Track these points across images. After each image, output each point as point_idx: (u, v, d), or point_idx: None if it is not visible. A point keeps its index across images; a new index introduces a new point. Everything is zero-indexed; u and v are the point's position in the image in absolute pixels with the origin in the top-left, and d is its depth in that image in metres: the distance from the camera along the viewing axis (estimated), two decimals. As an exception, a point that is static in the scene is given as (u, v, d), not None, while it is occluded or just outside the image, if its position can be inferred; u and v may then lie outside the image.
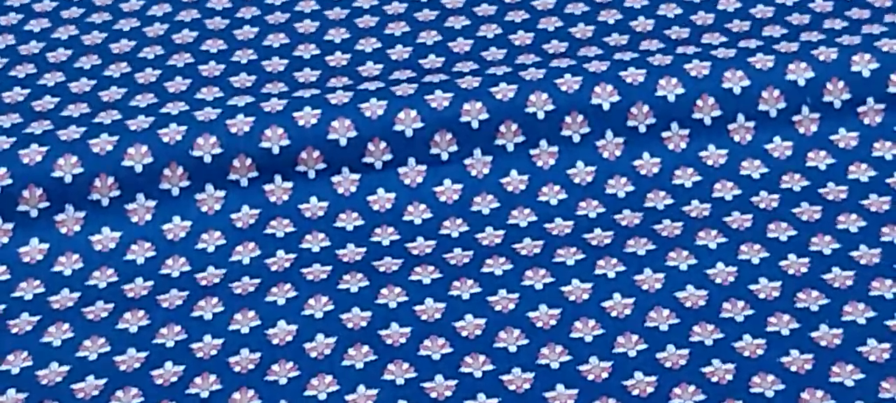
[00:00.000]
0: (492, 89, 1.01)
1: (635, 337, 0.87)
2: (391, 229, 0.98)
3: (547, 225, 0.97)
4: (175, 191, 0.98)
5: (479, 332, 0.88)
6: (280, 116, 1.00)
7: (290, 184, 1.00)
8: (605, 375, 0.85)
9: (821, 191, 0.99)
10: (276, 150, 0.99)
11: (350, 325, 0.89)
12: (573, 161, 1.01)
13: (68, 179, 0.97)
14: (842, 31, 1.09)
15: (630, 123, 1.02)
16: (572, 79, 1.02)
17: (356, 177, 1.00)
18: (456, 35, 1.13)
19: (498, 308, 0.90)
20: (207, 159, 0.99)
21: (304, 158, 1.00)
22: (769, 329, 0.87)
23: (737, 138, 1.02)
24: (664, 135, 1.02)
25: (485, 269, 0.93)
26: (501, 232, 0.97)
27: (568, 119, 1.01)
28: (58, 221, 0.97)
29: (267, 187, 0.99)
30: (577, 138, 1.01)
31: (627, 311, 0.89)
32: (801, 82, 1.03)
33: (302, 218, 0.98)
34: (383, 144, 1.00)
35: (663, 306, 0.89)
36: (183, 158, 0.98)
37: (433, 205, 0.99)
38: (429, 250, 0.96)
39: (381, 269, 0.94)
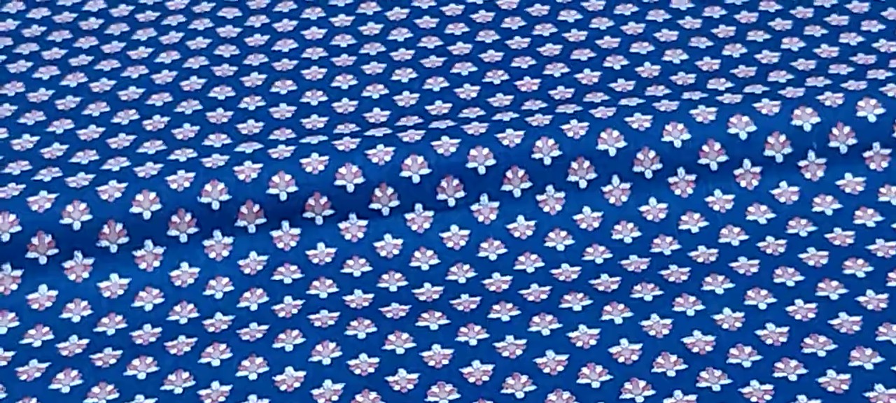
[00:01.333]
0: (498, 135, 1.02)
1: (642, 383, 0.87)
2: (398, 275, 0.98)
3: (554, 271, 0.97)
4: (183, 238, 0.99)
5: (486, 378, 0.88)
6: (288, 163, 1.00)
7: (297, 231, 1.00)
8: (612, 421, 0.85)
9: (827, 236, 0.99)
10: (283, 197, 0.99)
11: (358, 371, 0.89)
12: (580, 206, 1.01)
13: (77, 226, 0.97)
14: (847, 76, 1.09)
15: (636, 169, 1.02)
16: (578, 125, 1.02)
17: (363, 223, 1.00)
18: (462, 81, 1.13)
19: (505, 354, 0.90)
20: (215, 206, 0.99)
21: (312, 204, 1.00)
22: (776, 374, 0.87)
23: (743, 183, 1.02)
24: (670, 180, 1.02)
25: (492, 315, 0.93)
26: (508, 277, 0.97)
27: (574, 164, 1.01)
28: (66, 268, 0.97)
29: (274, 233, 1.00)
30: (583, 184, 1.02)
31: (635, 357, 0.89)
32: (807, 127, 1.03)
33: (309, 264, 0.99)
34: (390, 190, 1.00)
35: (671, 352, 0.89)
36: (191, 205, 0.99)
37: (440, 251, 0.99)
38: (436, 296, 0.96)
39: (389, 315, 0.94)
